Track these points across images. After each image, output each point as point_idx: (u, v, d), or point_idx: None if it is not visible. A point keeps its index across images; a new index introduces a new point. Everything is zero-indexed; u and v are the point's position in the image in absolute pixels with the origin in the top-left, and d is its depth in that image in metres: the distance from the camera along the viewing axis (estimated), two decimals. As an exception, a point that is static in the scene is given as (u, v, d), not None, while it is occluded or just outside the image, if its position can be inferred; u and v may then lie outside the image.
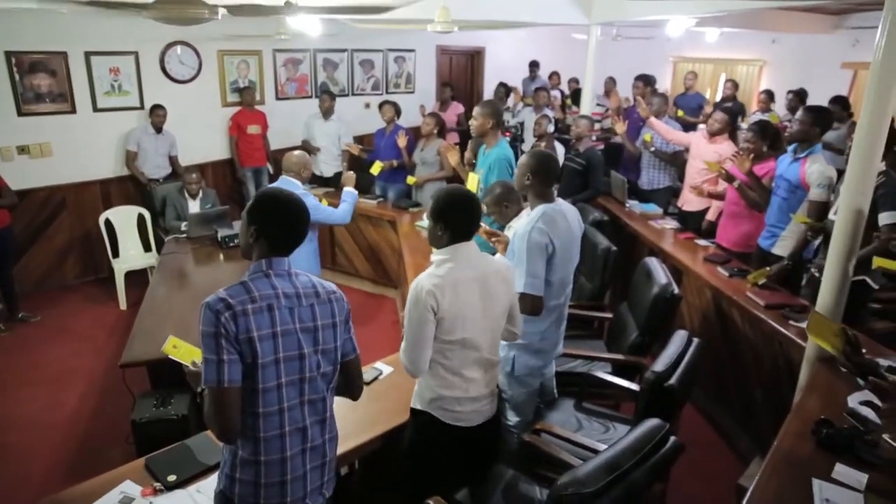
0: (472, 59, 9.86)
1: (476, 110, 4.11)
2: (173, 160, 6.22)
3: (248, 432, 1.71)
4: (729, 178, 4.08)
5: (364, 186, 6.02)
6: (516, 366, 2.73)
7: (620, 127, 5.79)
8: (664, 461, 2.00)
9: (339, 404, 2.63)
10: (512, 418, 2.86)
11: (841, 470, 2.15)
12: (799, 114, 3.81)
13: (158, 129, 6.02)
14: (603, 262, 3.83)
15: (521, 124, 7.36)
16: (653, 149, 5.60)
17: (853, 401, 2.55)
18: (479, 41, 9.65)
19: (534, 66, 9.18)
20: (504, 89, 8.05)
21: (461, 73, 9.84)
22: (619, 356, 3.26)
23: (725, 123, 4.75)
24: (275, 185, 3.91)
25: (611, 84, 8.36)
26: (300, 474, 1.79)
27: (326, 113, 6.48)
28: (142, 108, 6.14)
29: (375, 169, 5.55)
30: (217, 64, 6.80)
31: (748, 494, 2.04)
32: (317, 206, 3.94)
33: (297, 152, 4.08)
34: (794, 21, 7.10)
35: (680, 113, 7.18)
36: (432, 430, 2.30)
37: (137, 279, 5.53)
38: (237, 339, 1.62)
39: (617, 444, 1.96)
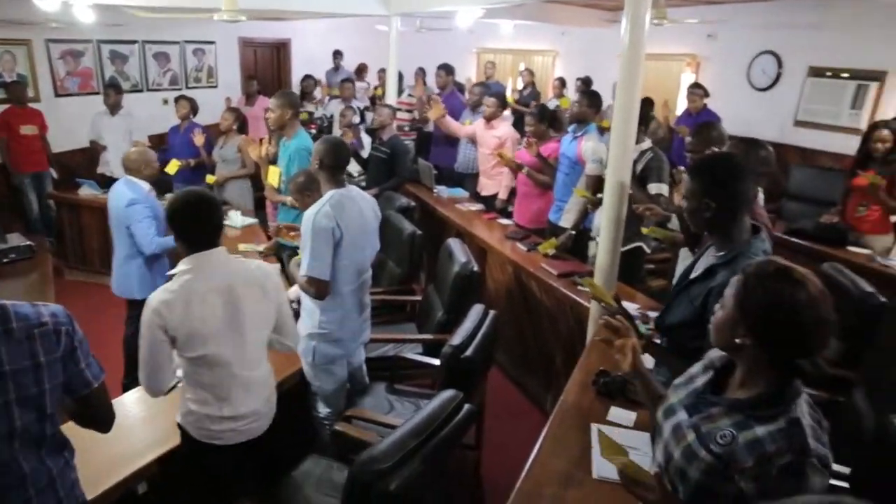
0: (278, 51, 9.57)
1: (272, 102, 4.03)
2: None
3: None
4: (518, 167, 4.38)
5: (162, 188, 5.63)
6: (316, 356, 2.71)
7: (433, 113, 5.94)
8: (458, 429, 2.10)
9: (147, 410, 2.46)
10: (323, 410, 2.85)
11: (615, 412, 2.41)
12: (576, 97, 4.18)
13: None
14: (409, 246, 3.93)
15: (331, 116, 7.31)
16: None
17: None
18: (284, 33, 9.38)
19: (337, 55, 9.11)
20: (312, 81, 7.93)
21: (267, 66, 9.52)
22: (427, 336, 3.37)
23: (496, 106, 5.07)
24: (117, 185, 3.57)
25: (420, 74, 8.55)
26: None
27: (113, 108, 5.93)
28: None
29: (172, 168, 5.19)
30: (-28, 55, 5.95)
31: (538, 444, 2.22)
32: (144, 234, 3.43)
33: (134, 149, 3.66)
34: (576, 16, 7.74)
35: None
36: (193, 448, 2.18)
37: None
38: None
39: (412, 419, 2.02)
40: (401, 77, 7.39)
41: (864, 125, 6.01)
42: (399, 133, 6.00)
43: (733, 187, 1.83)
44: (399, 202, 4.65)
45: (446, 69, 6.60)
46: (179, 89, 7.92)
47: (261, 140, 4.62)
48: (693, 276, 1.96)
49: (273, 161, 4.30)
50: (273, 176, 4.11)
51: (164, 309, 1.94)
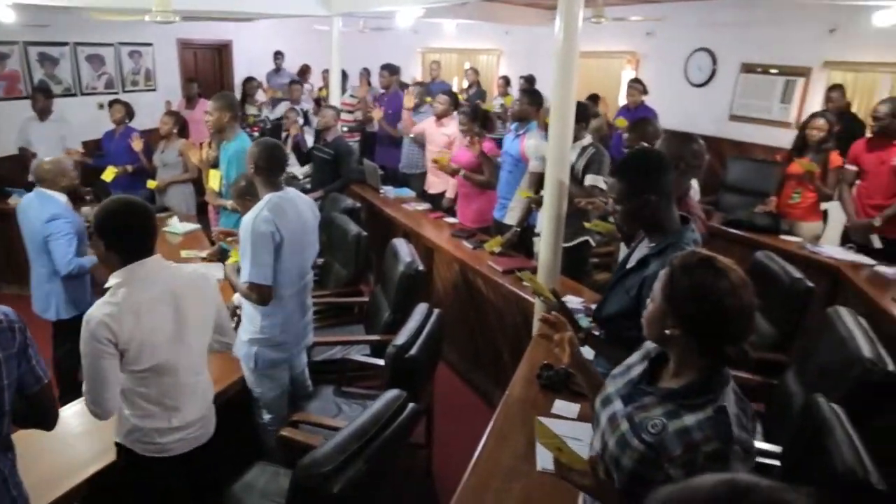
0: (220, 53, 9.37)
1: (210, 105, 3.96)
2: None
3: None
4: (454, 171, 4.41)
5: (101, 195, 5.45)
6: (259, 362, 2.67)
7: (377, 114, 6.01)
8: (403, 428, 2.10)
9: (82, 426, 2.38)
10: (266, 416, 2.81)
11: (559, 405, 2.45)
12: (517, 96, 4.23)
13: None
14: (355, 248, 3.92)
15: (278, 119, 7.22)
16: (411, 135, 5.83)
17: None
18: (225, 34, 9.18)
19: (278, 56, 8.98)
20: (254, 83, 7.79)
21: (208, 68, 9.30)
22: (373, 337, 3.36)
23: (448, 104, 5.10)
24: (29, 198, 3.38)
25: (365, 75, 8.51)
26: None
27: (42, 113, 5.68)
28: None
29: (108, 175, 5.04)
30: None
31: (483, 439, 2.25)
32: (64, 254, 3.25)
33: (50, 158, 3.47)
34: (518, 14, 7.82)
35: (428, 100, 7.57)
36: (136, 464, 2.11)
37: None
38: None
39: (355, 421, 2.01)
40: (346, 77, 7.35)
41: (792, 118, 6.28)
42: (343, 134, 5.98)
43: (662, 180, 1.89)
44: (344, 203, 4.62)
45: (389, 69, 6.59)
46: (116, 93, 7.67)
47: (201, 144, 4.53)
48: (628, 267, 2.01)
49: (214, 164, 4.22)
50: (213, 179, 4.03)
51: (112, 322, 1.85)
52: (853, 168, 4.27)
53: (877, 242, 4.14)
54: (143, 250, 1.98)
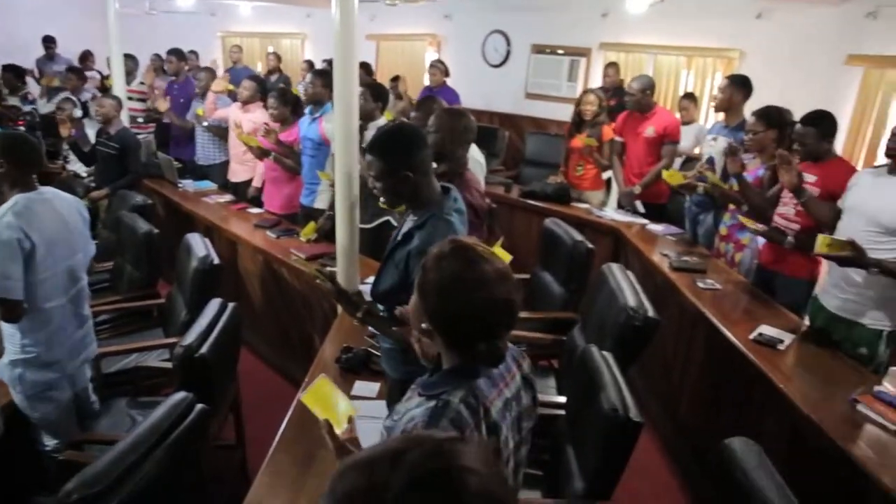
0: (-27, 37, 8.14)
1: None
2: None
3: None
4: (263, 154, 4.26)
5: None
6: (24, 385, 2.39)
7: (163, 104, 5.62)
8: (191, 431, 2.00)
9: None
10: (49, 442, 2.54)
11: (359, 385, 2.48)
12: (308, 77, 4.16)
13: None
14: (146, 247, 3.65)
15: (54, 112, 6.44)
16: (205, 123, 5.50)
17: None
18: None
19: (49, 42, 8.03)
20: (13, 73, 6.87)
21: (-43, 54, 8.04)
22: (166, 340, 3.17)
23: (254, 90, 4.91)
24: None
25: (156, 61, 7.88)
26: None
27: None
28: None
29: None
30: None
31: (280, 430, 2.21)
32: None
33: None
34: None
35: (231, 87, 7.20)
36: None
37: None
38: None
39: (134, 431, 1.88)
40: (137, 63, 6.76)
41: (578, 95, 6.84)
42: (134, 126, 5.51)
43: (419, 156, 1.92)
44: (134, 200, 4.25)
45: (178, 55, 6.18)
46: None
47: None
48: (397, 240, 2.04)
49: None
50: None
51: None
52: (620, 140, 4.74)
53: (640, 208, 4.65)
54: None
